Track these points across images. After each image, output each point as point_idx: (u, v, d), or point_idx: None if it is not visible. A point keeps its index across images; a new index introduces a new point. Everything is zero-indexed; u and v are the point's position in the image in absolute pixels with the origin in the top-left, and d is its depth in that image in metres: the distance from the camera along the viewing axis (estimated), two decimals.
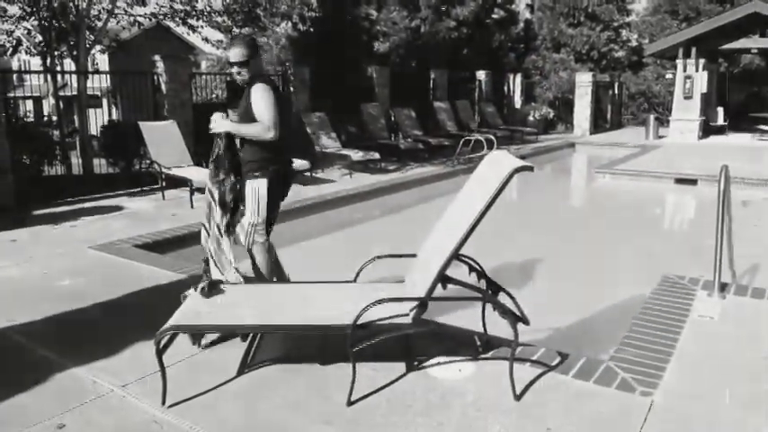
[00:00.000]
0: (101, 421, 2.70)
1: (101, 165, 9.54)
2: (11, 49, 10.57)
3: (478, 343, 3.36)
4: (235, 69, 3.69)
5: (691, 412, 2.77)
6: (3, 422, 2.69)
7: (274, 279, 3.85)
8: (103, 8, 10.65)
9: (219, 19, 11.50)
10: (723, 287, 4.26)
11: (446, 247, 2.88)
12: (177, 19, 11.17)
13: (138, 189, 8.68)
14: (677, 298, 4.16)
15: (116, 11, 10.63)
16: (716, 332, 3.66)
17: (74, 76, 9.79)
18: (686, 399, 2.87)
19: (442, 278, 2.91)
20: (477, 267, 3.25)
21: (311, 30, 12.31)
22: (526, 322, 2.96)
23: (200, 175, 7.91)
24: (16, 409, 2.79)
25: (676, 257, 6.08)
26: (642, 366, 3.14)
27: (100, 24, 10.69)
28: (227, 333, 3.40)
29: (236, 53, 3.66)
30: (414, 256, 3.36)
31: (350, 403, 2.79)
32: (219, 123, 3.63)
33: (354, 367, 2.78)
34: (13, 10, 10.21)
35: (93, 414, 2.75)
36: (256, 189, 3.70)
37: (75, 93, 9.85)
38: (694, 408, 2.80)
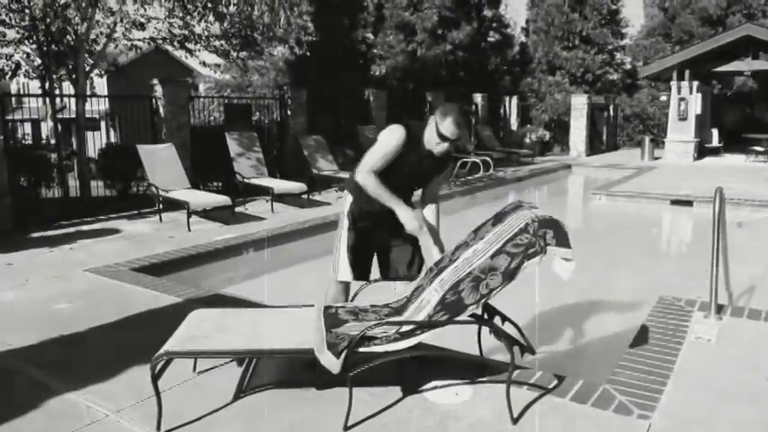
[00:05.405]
0: None
1: (98, 187, 9.56)
2: (10, 72, 10.61)
3: (475, 366, 3.35)
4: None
5: None
6: None
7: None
8: (102, 32, 10.75)
9: (217, 43, 11.59)
10: (720, 308, 4.26)
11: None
12: (175, 43, 11.27)
13: (136, 212, 8.68)
14: (674, 320, 4.16)
15: (115, 35, 10.72)
16: (713, 354, 3.65)
17: (72, 99, 9.83)
18: (684, 421, 2.86)
19: None
20: None
21: (308, 54, 12.43)
22: (522, 345, 2.96)
23: (197, 197, 7.94)
24: None
25: (672, 279, 6.08)
26: (639, 389, 3.13)
27: (99, 48, 10.77)
28: (221, 358, 3.38)
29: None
30: (409, 280, 3.37)
31: (346, 428, 2.77)
32: None
33: (351, 391, 2.77)
34: (12, 34, 10.30)
35: None
36: None
37: (73, 116, 9.89)
38: (692, 430, 2.79)
